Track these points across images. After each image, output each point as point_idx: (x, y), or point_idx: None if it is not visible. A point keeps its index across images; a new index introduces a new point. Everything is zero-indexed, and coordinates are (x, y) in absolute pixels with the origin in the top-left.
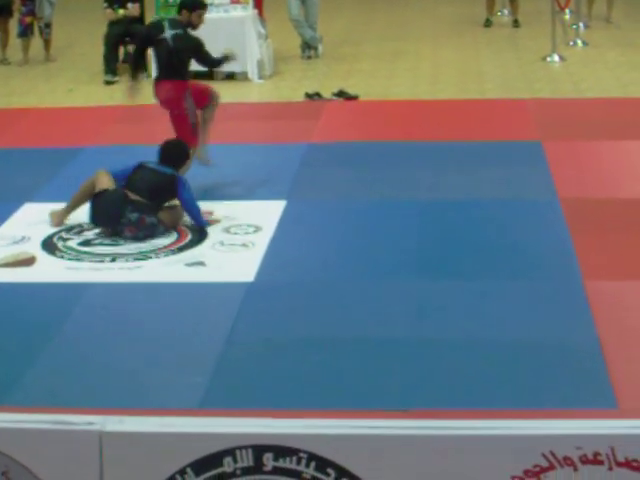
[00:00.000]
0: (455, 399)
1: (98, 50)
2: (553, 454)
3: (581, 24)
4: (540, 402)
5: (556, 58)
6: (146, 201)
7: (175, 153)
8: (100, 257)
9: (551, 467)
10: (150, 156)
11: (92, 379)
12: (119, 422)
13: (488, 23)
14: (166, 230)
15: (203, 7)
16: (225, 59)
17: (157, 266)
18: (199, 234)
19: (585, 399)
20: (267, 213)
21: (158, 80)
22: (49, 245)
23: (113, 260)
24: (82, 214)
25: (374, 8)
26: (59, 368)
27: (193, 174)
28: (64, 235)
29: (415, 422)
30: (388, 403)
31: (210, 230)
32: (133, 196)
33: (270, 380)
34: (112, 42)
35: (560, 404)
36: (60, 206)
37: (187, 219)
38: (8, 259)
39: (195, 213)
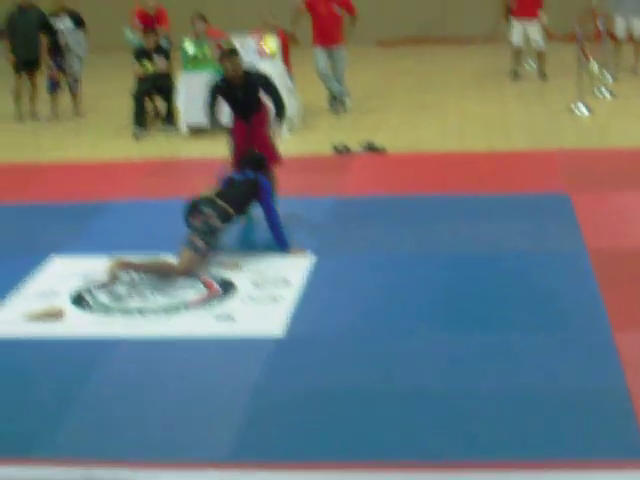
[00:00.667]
0: (485, 450)
1: (126, 105)
2: None
3: (608, 75)
4: (569, 452)
5: (583, 109)
6: (230, 209)
7: (252, 159)
8: (129, 311)
9: None
10: (176, 210)
11: (121, 433)
12: (148, 476)
13: (515, 75)
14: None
15: (221, 58)
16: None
17: (186, 320)
18: (228, 288)
19: (614, 449)
20: (296, 267)
21: None
22: (78, 299)
23: (142, 315)
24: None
25: (401, 61)
26: (88, 422)
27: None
28: (93, 289)
29: (444, 474)
30: (418, 455)
31: (239, 284)
32: (219, 201)
33: (299, 433)
34: (140, 97)
35: (589, 454)
36: (90, 260)
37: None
38: (37, 313)
39: (275, 222)
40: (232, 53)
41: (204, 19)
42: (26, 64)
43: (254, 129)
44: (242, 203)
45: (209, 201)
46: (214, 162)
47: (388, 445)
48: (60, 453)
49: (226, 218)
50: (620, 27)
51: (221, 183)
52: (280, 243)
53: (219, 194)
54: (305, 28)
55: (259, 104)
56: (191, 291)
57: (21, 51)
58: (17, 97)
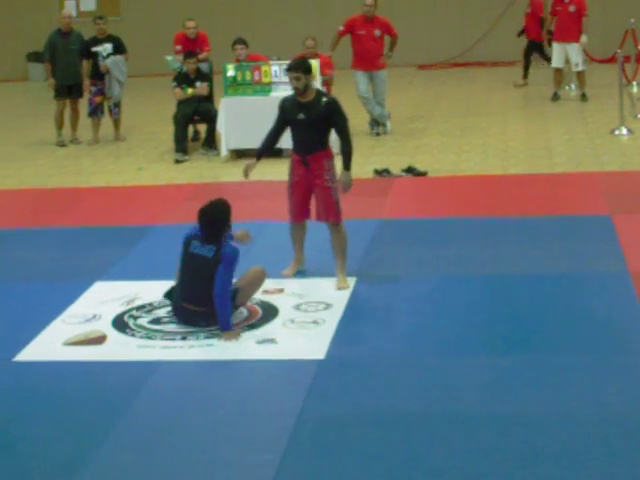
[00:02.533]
0: (525, 476)
1: (167, 129)
2: None
3: None
4: (615, 476)
5: (624, 131)
6: (203, 307)
7: (214, 222)
8: (171, 335)
9: None
10: None
11: (162, 457)
12: None
13: (556, 97)
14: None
15: (287, 69)
16: None
17: (228, 344)
18: (270, 312)
19: None
20: (337, 290)
21: None
22: (120, 323)
23: (184, 338)
24: (153, 292)
25: (442, 84)
26: (129, 446)
27: (264, 252)
28: (135, 313)
29: None
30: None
31: (281, 307)
32: (190, 307)
33: (341, 457)
34: (181, 121)
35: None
36: (131, 284)
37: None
38: (79, 337)
39: (221, 299)
40: (296, 66)
41: (245, 44)
42: (67, 89)
43: (311, 173)
44: (209, 290)
45: (191, 316)
46: (255, 186)
47: (428, 470)
48: (101, 478)
49: (213, 313)
50: None
51: (182, 256)
52: (220, 321)
53: (183, 294)
54: (346, 51)
55: (323, 140)
56: (233, 315)
57: (62, 75)
58: (58, 122)
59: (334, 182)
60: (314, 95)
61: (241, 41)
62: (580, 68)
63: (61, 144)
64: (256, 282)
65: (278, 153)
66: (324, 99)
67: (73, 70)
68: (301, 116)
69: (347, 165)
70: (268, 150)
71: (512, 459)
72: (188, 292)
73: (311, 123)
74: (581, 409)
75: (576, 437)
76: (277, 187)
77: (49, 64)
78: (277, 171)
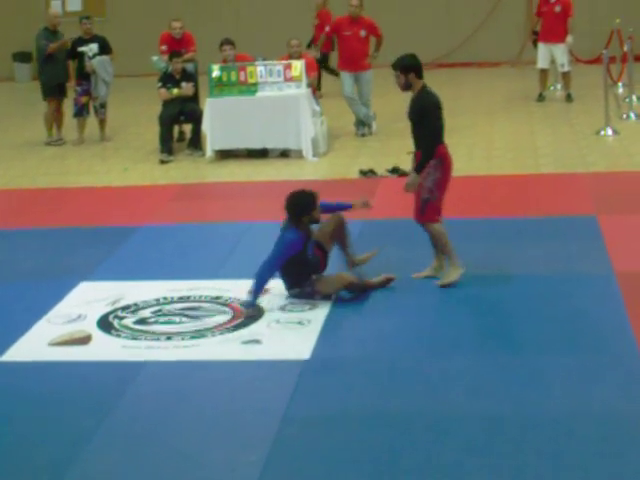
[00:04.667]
0: (511, 474)
1: (153, 129)
2: None
3: (634, 97)
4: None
5: (610, 132)
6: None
7: (292, 207)
8: (156, 336)
9: None
10: (202, 235)
11: (147, 458)
12: None
13: (541, 98)
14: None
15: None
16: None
17: (213, 344)
18: (255, 312)
19: None
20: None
21: None
22: (105, 324)
23: (169, 339)
24: (138, 293)
25: (427, 84)
26: (114, 447)
27: (249, 252)
28: (120, 314)
29: None
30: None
31: (266, 308)
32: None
33: (326, 458)
34: (167, 121)
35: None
36: (116, 284)
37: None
38: (64, 337)
39: (258, 274)
40: (394, 64)
41: (233, 45)
42: (55, 89)
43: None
44: (286, 274)
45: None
46: (240, 187)
47: (414, 470)
48: (87, 477)
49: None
50: None
51: None
52: (252, 291)
53: None
54: (332, 52)
55: (420, 137)
56: (218, 316)
57: (52, 74)
58: (49, 122)
59: (428, 181)
60: (417, 92)
61: (229, 42)
62: (566, 69)
63: (47, 144)
64: (337, 280)
65: (264, 154)
66: (422, 94)
67: (62, 69)
68: (410, 110)
69: (415, 166)
70: None
71: (498, 458)
72: None
73: (410, 119)
74: (567, 409)
75: (562, 436)
76: (263, 188)
77: (37, 63)
78: (263, 172)
